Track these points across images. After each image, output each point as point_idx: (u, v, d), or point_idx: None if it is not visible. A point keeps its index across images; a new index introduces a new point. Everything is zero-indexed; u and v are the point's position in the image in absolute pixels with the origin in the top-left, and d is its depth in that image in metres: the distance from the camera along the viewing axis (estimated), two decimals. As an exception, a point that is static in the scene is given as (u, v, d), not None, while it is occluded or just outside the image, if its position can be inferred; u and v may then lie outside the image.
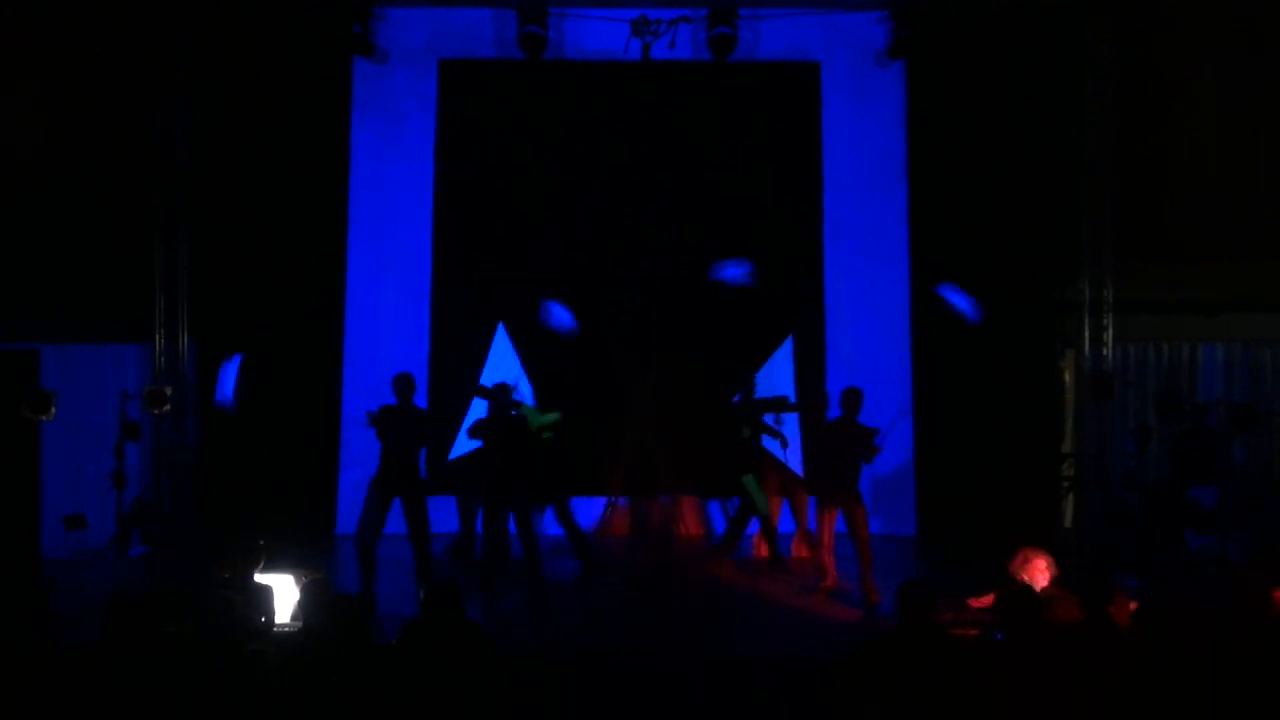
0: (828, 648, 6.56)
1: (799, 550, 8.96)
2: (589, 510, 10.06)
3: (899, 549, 9.63)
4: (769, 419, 9.04)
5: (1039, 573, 6.00)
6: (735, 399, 9.58)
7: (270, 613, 5.95)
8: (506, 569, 8.12)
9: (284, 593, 6.24)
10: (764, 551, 9.03)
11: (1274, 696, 4.47)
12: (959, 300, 8.30)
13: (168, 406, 9.32)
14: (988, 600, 6.11)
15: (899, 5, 9.96)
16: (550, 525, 8.90)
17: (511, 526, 8.18)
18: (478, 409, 9.12)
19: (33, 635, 4.68)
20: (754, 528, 9.18)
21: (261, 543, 6.22)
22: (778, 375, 10.23)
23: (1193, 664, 4.52)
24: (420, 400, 10.18)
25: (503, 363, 10.19)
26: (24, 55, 9.82)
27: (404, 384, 7.91)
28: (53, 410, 8.25)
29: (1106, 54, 9.65)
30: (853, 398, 7.97)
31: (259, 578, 6.24)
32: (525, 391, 9.61)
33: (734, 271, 9.02)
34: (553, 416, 8.32)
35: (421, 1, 10.15)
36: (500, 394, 8.15)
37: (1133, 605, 5.21)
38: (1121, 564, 8.20)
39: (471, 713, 4.63)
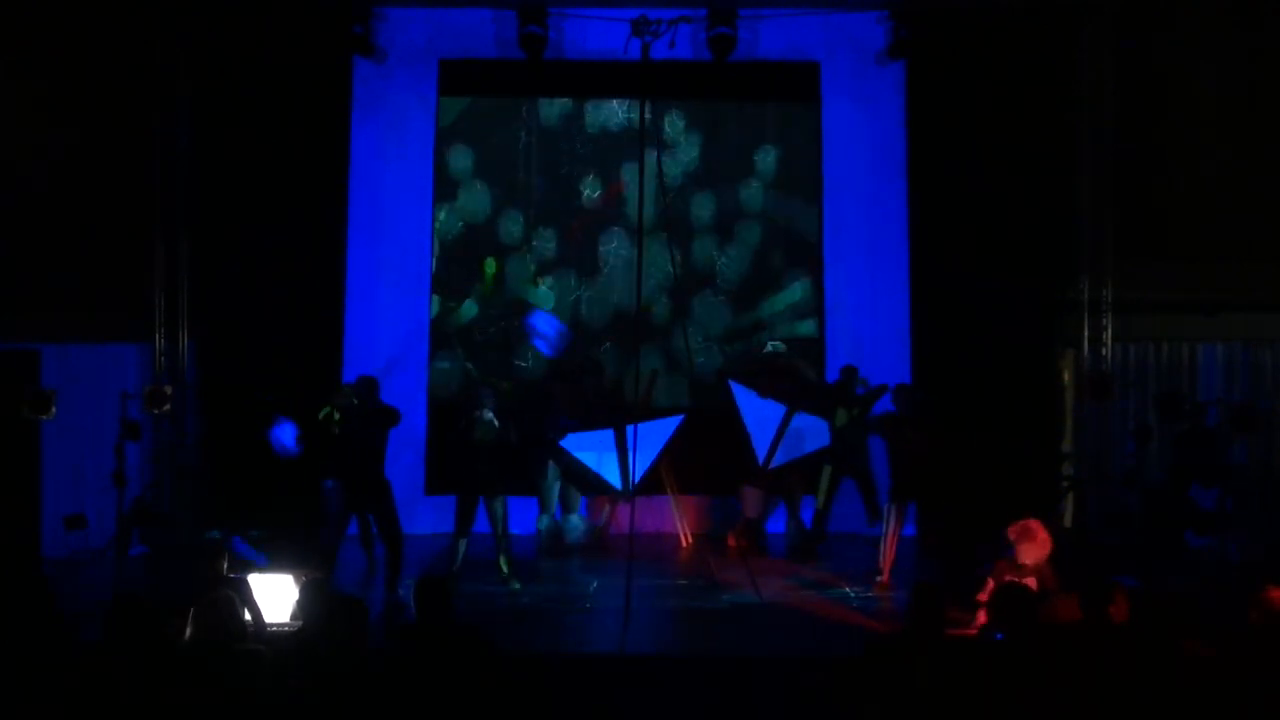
0: (828, 648, 6.57)
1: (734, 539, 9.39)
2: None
3: (899, 549, 9.60)
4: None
5: (1036, 545, 6.10)
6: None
7: (254, 607, 5.92)
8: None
9: (283, 592, 6.24)
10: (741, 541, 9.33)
11: (1273, 696, 4.47)
12: None
13: (168, 406, 9.32)
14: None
15: (899, 5, 9.96)
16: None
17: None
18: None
19: (34, 636, 4.66)
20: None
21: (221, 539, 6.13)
22: None
23: (1192, 664, 4.52)
24: (422, 400, 10.23)
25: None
26: (24, 55, 9.80)
27: (367, 387, 7.83)
28: (53, 410, 8.25)
29: (1106, 54, 9.64)
30: (902, 394, 8.12)
31: (252, 577, 6.24)
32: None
33: None
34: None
35: (421, 1, 10.14)
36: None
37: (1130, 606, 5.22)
38: (1121, 564, 8.19)
39: (470, 713, 4.62)
